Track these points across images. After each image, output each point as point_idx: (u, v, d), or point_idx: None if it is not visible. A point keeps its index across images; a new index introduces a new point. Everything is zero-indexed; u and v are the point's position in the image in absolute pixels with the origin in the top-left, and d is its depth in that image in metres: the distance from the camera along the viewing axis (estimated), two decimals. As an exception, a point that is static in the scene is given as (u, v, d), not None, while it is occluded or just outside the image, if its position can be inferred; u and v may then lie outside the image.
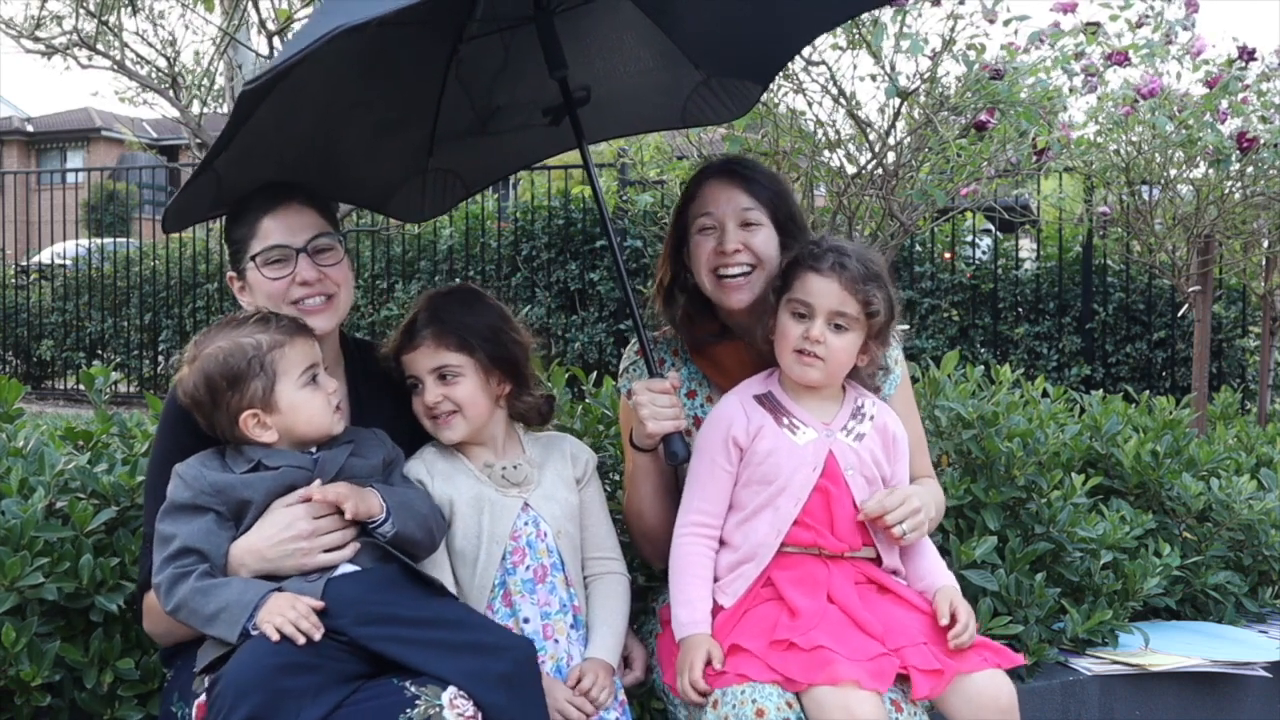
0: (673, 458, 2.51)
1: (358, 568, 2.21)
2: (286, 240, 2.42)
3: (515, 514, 2.44)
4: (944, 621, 2.33)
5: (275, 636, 2.01)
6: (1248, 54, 4.99)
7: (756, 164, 2.73)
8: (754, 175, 2.64)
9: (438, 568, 2.37)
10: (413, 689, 2.03)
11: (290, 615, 2.03)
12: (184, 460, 2.25)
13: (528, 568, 2.42)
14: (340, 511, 2.20)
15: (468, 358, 2.45)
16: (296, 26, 5.17)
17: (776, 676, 2.20)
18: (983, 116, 4.32)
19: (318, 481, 2.23)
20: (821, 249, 2.44)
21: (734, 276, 2.57)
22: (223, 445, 2.28)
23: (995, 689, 2.27)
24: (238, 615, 2.06)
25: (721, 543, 2.46)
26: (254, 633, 2.04)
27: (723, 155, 2.84)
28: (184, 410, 2.29)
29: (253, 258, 2.42)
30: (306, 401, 2.26)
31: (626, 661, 2.55)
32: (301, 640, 2.01)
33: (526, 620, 2.40)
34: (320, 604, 2.08)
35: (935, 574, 2.47)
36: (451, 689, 2.04)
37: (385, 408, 2.53)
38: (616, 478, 3.11)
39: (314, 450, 2.30)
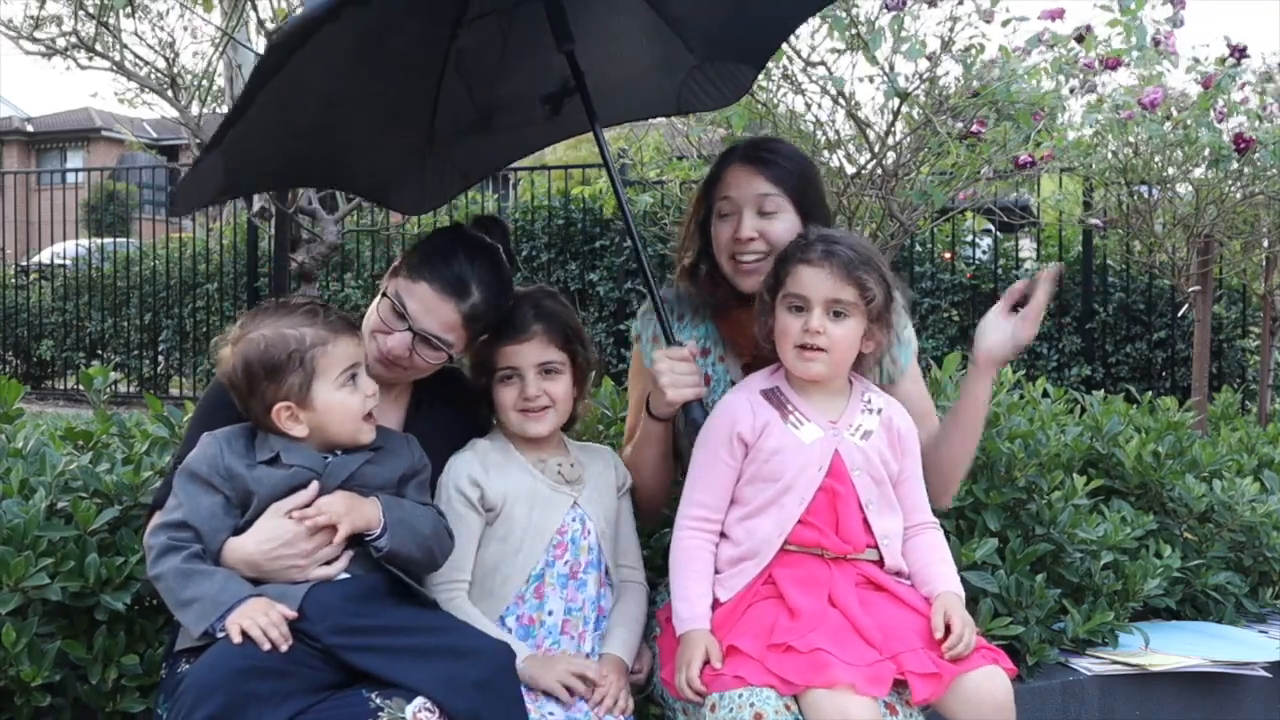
0: (692, 424, 2.51)
1: (346, 575, 2.21)
2: (418, 317, 2.42)
3: (565, 510, 2.47)
4: (938, 634, 2.30)
5: (238, 639, 2.01)
6: (1238, 51, 4.98)
7: (782, 147, 2.72)
8: (776, 160, 2.63)
9: (456, 560, 2.39)
10: (377, 700, 2.01)
11: (261, 621, 2.03)
12: (220, 425, 2.28)
13: (565, 563, 2.46)
14: (334, 527, 2.18)
15: (569, 358, 2.52)
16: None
17: (773, 679, 2.19)
18: (975, 127, 4.33)
19: (310, 489, 2.21)
20: (809, 240, 2.44)
21: (749, 261, 2.58)
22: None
23: (992, 685, 2.26)
24: (209, 611, 2.06)
25: (722, 536, 2.46)
26: (219, 635, 2.04)
27: (750, 138, 2.82)
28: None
29: (401, 304, 2.41)
30: (342, 403, 2.25)
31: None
32: (267, 646, 2.00)
33: (550, 613, 2.43)
34: (293, 614, 2.08)
35: (940, 579, 2.44)
36: (418, 700, 2.02)
37: (442, 429, 2.53)
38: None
39: (332, 454, 2.28)
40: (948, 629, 2.30)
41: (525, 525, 2.44)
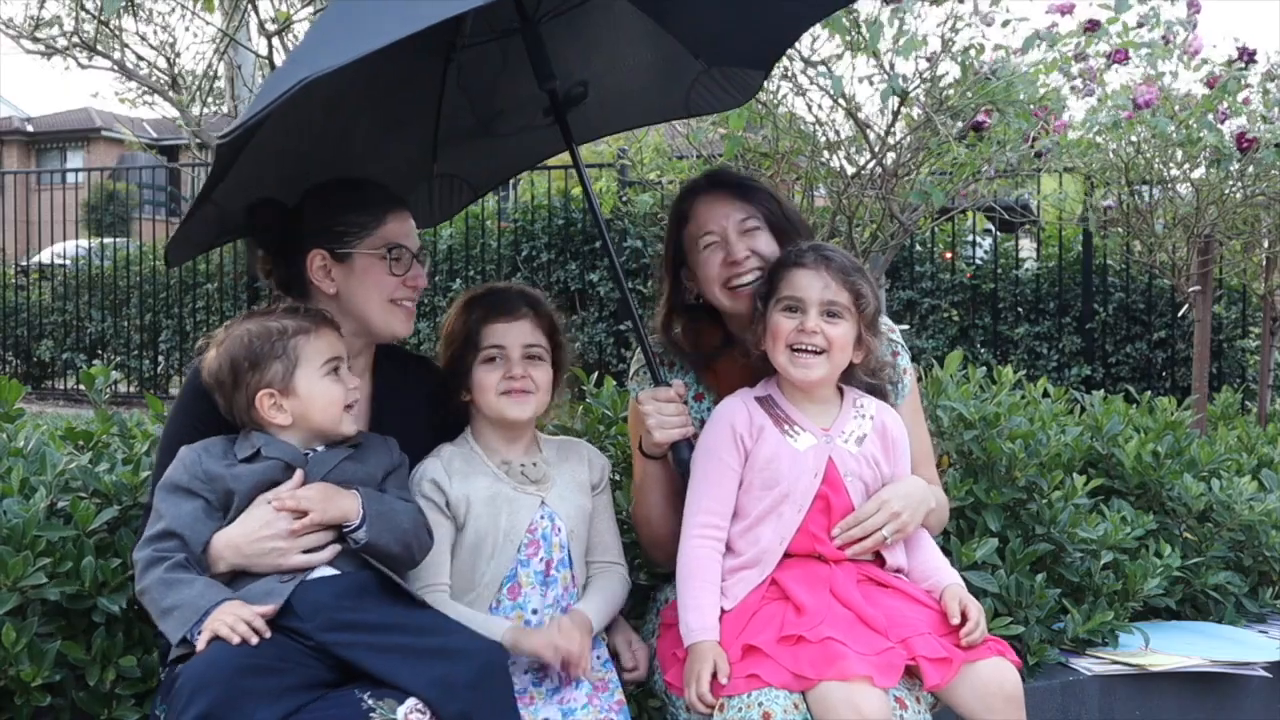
0: (681, 464, 2.53)
1: (336, 571, 2.21)
2: (410, 244, 2.52)
3: (533, 511, 2.46)
4: (955, 620, 2.33)
5: (201, 646, 2.02)
6: (1248, 55, 4.99)
7: (738, 173, 2.81)
8: (741, 182, 2.70)
9: (433, 564, 2.38)
10: (369, 701, 2.02)
11: (229, 620, 2.04)
12: (192, 438, 2.29)
13: (540, 560, 2.45)
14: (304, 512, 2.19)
15: (552, 347, 2.55)
16: (296, 28, 5.16)
17: (786, 677, 2.19)
18: (980, 117, 4.33)
19: (291, 482, 2.23)
20: (802, 249, 2.49)
21: (746, 285, 2.58)
22: (234, 433, 2.30)
23: (1001, 675, 2.29)
24: (188, 617, 2.08)
25: (725, 547, 2.46)
26: (194, 640, 2.05)
27: (706, 171, 2.89)
28: (203, 390, 2.33)
29: (386, 248, 2.48)
30: (325, 391, 2.29)
31: (626, 658, 2.54)
32: (236, 640, 2.02)
33: (535, 611, 2.42)
34: (270, 610, 2.08)
35: (940, 572, 2.48)
36: (410, 701, 2.03)
37: (408, 417, 2.53)
38: (618, 477, 3.11)
39: (314, 449, 2.30)
40: (963, 616, 2.33)
41: (494, 530, 2.42)
